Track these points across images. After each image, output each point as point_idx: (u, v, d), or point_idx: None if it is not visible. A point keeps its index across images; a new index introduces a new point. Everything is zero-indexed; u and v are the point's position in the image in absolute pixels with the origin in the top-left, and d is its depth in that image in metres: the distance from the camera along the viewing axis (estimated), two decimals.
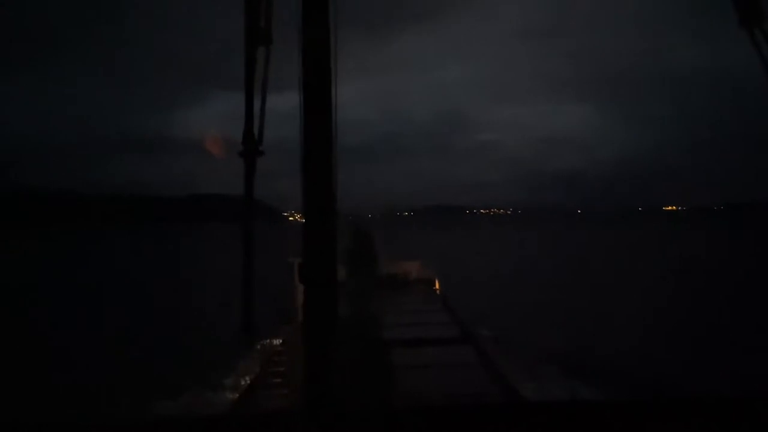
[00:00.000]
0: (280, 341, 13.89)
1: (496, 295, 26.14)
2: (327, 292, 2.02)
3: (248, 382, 11.50)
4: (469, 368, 10.54)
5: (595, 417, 1.23)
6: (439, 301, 17.26)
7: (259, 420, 1.55)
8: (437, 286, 19.41)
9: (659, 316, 21.13)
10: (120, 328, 21.34)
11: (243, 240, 2.03)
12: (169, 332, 19.84)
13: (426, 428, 1.25)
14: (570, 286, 29.37)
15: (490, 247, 66.83)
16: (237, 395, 9.98)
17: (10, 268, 44.85)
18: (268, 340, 13.79)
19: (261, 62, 3.46)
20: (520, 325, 18.88)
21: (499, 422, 1.22)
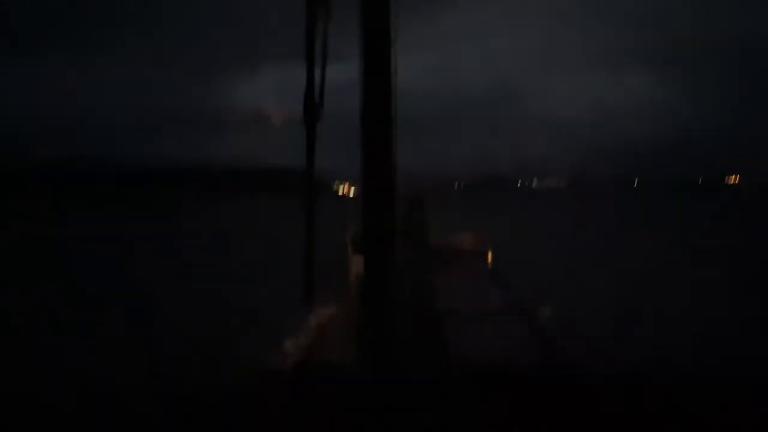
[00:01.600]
0: (333, 312, 14.10)
1: (550, 269, 25.80)
2: (384, 264, 2.00)
3: (299, 354, 11.75)
4: (521, 342, 10.48)
5: (646, 392, 1.23)
6: (492, 273, 17.12)
7: (309, 379, 1.55)
8: (490, 258, 19.24)
9: (726, 299, 20.34)
10: (174, 293, 22.18)
11: (304, 208, 2.01)
12: (222, 300, 20.44)
13: (476, 392, 1.25)
14: (628, 264, 28.58)
15: (544, 220, 65.80)
16: (288, 366, 10.20)
17: (70, 239, 46.86)
18: (320, 312, 14.00)
19: (321, 26, 3.41)
20: (576, 301, 18.60)
21: (551, 390, 1.24)
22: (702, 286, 22.70)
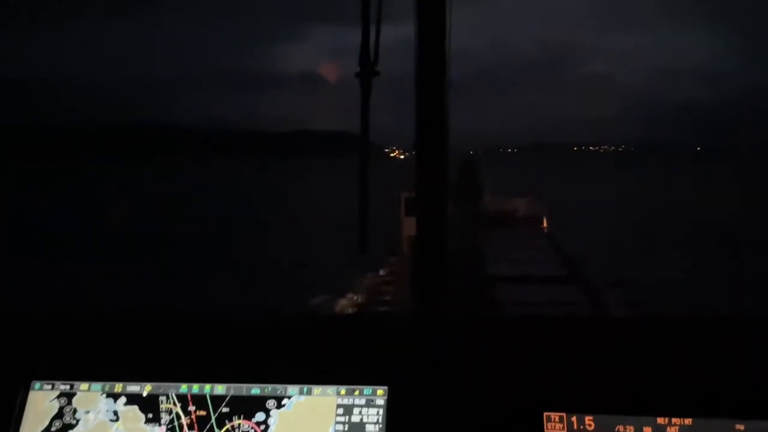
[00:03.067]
0: (386, 272, 14.38)
1: (605, 237, 25.18)
2: (438, 227, 2.00)
3: (353, 310, 12.13)
4: (576, 308, 10.40)
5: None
6: (546, 239, 16.90)
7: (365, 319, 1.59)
8: (545, 224, 18.97)
9: None
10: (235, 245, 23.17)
11: (359, 161, 2.02)
12: (281, 254, 21.09)
13: (531, 336, 1.24)
14: (689, 237, 27.36)
15: (599, 187, 64.15)
16: (342, 313, 10.52)
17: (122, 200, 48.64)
18: (374, 271, 14.27)
19: None
20: (629, 269, 18.15)
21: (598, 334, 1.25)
22: None
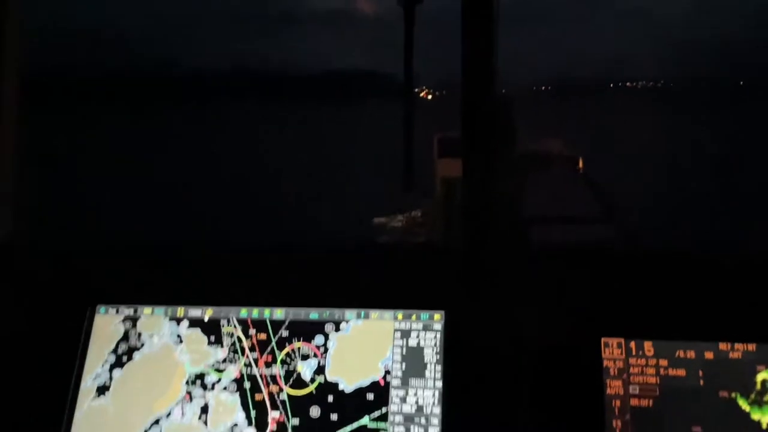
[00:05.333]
0: (420, 213, 14.40)
1: (643, 179, 24.59)
2: (484, 165, 1.95)
3: (391, 233, 12.29)
4: (614, 248, 10.36)
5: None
6: (582, 179, 16.64)
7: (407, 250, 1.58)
8: (581, 164, 18.61)
9: None
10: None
11: (404, 103, 1.97)
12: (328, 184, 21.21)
13: (586, 267, 1.26)
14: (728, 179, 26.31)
15: (636, 126, 62.36)
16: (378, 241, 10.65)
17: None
18: (408, 212, 14.29)
19: None
20: (664, 212, 17.78)
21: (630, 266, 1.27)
22: None
